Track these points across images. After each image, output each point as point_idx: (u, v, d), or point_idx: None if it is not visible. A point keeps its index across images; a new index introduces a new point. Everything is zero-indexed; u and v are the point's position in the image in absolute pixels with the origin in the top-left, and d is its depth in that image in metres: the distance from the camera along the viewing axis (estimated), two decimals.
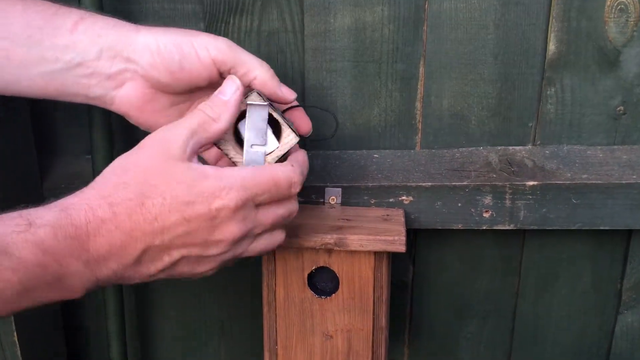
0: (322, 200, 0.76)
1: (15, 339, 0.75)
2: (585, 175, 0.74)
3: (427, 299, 0.87)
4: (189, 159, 0.51)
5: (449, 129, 0.78)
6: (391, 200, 0.75)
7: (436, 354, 0.90)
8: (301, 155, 0.59)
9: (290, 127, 0.59)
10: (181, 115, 0.62)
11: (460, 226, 0.76)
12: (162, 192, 0.49)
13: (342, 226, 0.67)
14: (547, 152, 0.78)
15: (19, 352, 0.76)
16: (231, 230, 0.51)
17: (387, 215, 0.72)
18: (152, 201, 0.48)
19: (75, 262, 0.47)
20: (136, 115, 0.61)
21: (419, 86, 0.77)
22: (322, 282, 0.69)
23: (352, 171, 0.77)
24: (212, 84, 0.59)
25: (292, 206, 0.56)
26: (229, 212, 0.50)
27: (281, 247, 0.66)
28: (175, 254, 0.50)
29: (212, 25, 0.74)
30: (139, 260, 0.49)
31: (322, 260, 0.67)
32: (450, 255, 0.85)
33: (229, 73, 0.58)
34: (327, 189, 0.76)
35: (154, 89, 0.59)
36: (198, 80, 0.59)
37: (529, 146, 0.79)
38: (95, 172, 0.75)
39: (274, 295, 0.69)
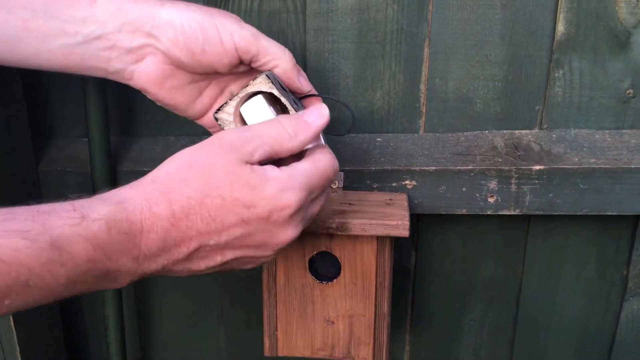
0: None
1: (15, 340, 0.74)
2: (593, 160, 0.72)
3: (429, 285, 0.86)
4: (256, 162, 0.50)
5: (454, 112, 0.77)
6: (394, 184, 0.74)
7: (438, 340, 0.89)
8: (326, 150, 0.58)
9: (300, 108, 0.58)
10: (199, 93, 0.61)
11: (464, 211, 0.74)
12: (223, 193, 0.48)
13: (345, 210, 0.66)
14: (554, 136, 0.76)
15: (18, 353, 0.75)
16: (288, 233, 0.51)
17: (390, 199, 0.70)
18: (212, 200, 0.47)
19: (124, 257, 0.45)
20: (154, 91, 0.60)
21: (423, 68, 0.75)
22: (324, 267, 0.68)
23: (354, 155, 0.76)
24: (232, 70, 0.58)
25: (329, 191, 0.58)
26: (288, 216, 0.50)
27: None
28: (229, 255, 0.50)
29: (212, 4, 0.72)
30: (190, 257, 0.48)
31: (324, 245, 0.66)
32: (453, 241, 0.84)
33: (251, 61, 0.57)
34: None
35: (173, 66, 0.58)
36: (218, 65, 0.57)
37: (536, 130, 0.77)
38: (92, 155, 0.73)
39: (274, 281, 0.68)
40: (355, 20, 0.73)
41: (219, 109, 0.58)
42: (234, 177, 0.48)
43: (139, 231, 0.45)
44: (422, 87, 0.76)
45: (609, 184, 0.72)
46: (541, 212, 0.74)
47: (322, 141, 0.58)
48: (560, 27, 0.72)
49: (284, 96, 0.57)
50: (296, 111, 0.57)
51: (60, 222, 0.43)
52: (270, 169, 0.50)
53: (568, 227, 0.81)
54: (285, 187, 0.49)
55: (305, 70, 0.75)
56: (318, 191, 0.53)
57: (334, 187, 0.74)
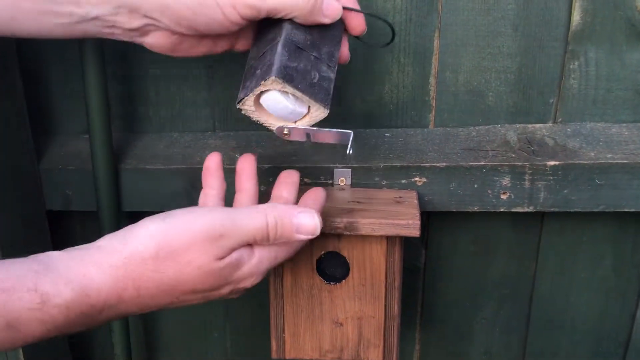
0: (330, 181, 0.72)
1: None
2: (609, 155, 0.70)
3: (439, 283, 0.84)
4: (225, 257, 0.51)
5: (465, 106, 0.74)
6: (404, 181, 0.71)
7: (449, 340, 0.87)
8: (319, 201, 0.59)
9: (317, 101, 0.56)
10: (215, 44, 0.59)
11: (476, 208, 0.72)
12: (195, 288, 0.50)
13: (353, 209, 0.64)
14: (569, 130, 0.74)
15: (21, 355, 0.74)
16: (245, 288, 0.55)
17: (400, 197, 0.68)
18: (182, 289, 0.50)
19: (80, 328, 0.47)
20: (169, 53, 0.59)
21: (433, 60, 0.73)
22: (332, 268, 0.66)
23: (362, 151, 0.74)
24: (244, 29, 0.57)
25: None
26: (244, 290, 0.55)
27: None
28: (186, 305, 0.53)
29: None
30: (146, 312, 0.51)
31: (332, 245, 0.64)
32: (464, 239, 0.82)
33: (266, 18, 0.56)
34: (336, 170, 0.72)
35: (181, 36, 0.56)
36: (227, 33, 0.56)
37: (550, 124, 0.74)
38: (94, 152, 0.72)
39: (281, 282, 0.66)
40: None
41: (240, 101, 0.56)
42: (207, 274, 0.50)
43: (99, 311, 0.47)
44: (432, 80, 0.74)
45: (626, 179, 0.69)
46: (556, 209, 0.71)
47: (308, 99, 0.55)
48: (576, 17, 0.69)
49: (300, 88, 0.54)
50: (316, 101, 0.55)
51: (19, 304, 0.43)
52: (246, 255, 0.52)
53: (583, 224, 0.79)
54: (252, 273, 0.53)
55: None
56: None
57: (342, 184, 0.72)
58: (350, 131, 0.57)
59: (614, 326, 0.85)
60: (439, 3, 0.70)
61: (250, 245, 0.53)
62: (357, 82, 0.74)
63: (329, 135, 0.57)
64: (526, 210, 0.72)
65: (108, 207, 0.74)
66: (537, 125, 0.74)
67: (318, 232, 0.54)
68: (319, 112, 0.56)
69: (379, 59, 0.73)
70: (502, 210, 0.72)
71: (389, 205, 0.65)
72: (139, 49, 0.75)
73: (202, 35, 0.57)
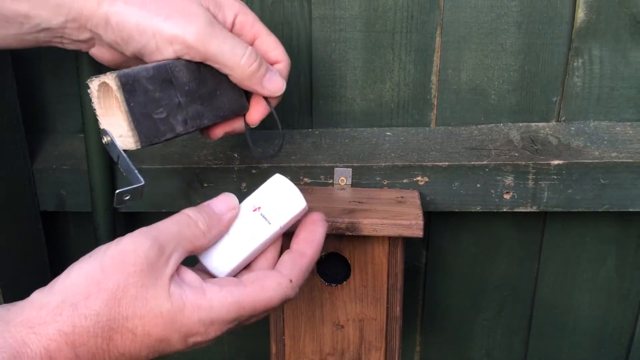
0: (331, 181, 0.71)
1: None
2: (614, 154, 0.69)
3: (441, 284, 0.83)
4: (171, 277, 0.44)
5: (467, 104, 0.73)
6: (405, 181, 0.70)
7: (450, 341, 0.86)
8: (311, 249, 0.50)
9: (137, 131, 0.50)
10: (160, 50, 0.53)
11: (479, 208, 0.71)
12: (134, 328, 0.43)
13: (354, 209, 0.62)
14: (572, 128, 0.73)
15: None
16: (205, 344, 0.47)
17: (402, 197, 0.67)
18: (121, 337, 0.42)
19: None
20: (113, 65, 0.57)
21: (435, 58, 0.72)
22: (333, 269, 0.65)
23: (363, 150, 0.72)
24: None
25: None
26: (205, 343, 0.46)
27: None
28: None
29: None
30: None
31: (333, 246, 0.63)
32: (465, 239, 0.80)
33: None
34: (336, 170, 0.71)
35: (122, 56, 0.55)
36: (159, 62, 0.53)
37: (554, 122, 0.73)
38: (89, 152, 0.70)
39: None
40: (363, 8, 0.70)
41: (90, 79, 0.51)
42: (145, 309, 0.43)
43: None
44: (434, 78, 0.73)
45: (631, 179, 0.68)
46: (560, 209, 0.70)
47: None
48: (580, 14, 0.68)
49: (131, 106, 0.49)
50: (135, 124, 0.50)
51: None
52: (190, 292, 0.44)
53: (586, 224, 0.78)
54: (202, 319, 0.44)
55: (310, 60, 0.72)
56: (252, 316, 0.47)
57: (342, 183, 0.71)
58: (142, 182, 0.51)
59: (616, 328, 0.84)
60: (440, 0, 0.69)
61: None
62: (358, 80, 0.73)
63: (129, 171, 0.52)
64: (529, 210, 0.71)
65: (103, 208, 0.72)
66: (541, 124, 0.73)
67: (237, 205, 0.49)
68: (131, 141, 0.51)
69: (379, 56, 0.72)
70: (505, 210, 0.71)
71: (390, 205, 0.64)
72: None
73: (140, 58, 0.54)
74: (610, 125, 0.72)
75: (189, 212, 0.47)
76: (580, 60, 0.70)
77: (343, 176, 0.71)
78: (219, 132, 0.58)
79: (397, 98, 0.74)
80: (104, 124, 0.52)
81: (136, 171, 0.51)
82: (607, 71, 0.70)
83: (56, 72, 0.75)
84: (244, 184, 0.72)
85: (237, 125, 0.58)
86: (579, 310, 0.83)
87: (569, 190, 0.69)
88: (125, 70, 0.50)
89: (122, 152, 0.51)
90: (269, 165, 0.71)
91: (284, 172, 0.71)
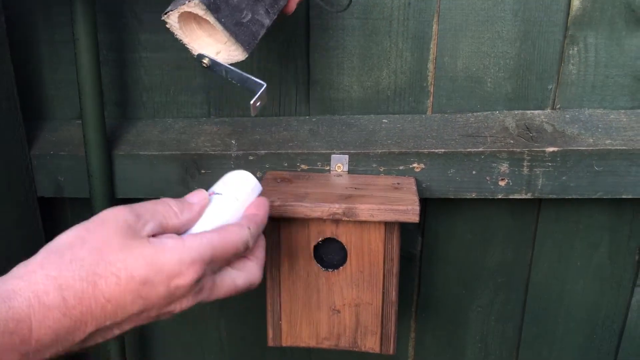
0: (328, 167, 0.71)
1: None
2: (608, 141, 0.70)
3: (436, 271, 0.84)
4: (148, 236, 0.47)
5: (464, 92, 0.74)
6: (401, 167, 0.71)
7: (444, 327, 0.87)
8: (260, 211, 0.55)
9: (238, 41, 0.53)
10: None
11: (474, 195, 0.72)
12: (118, 271, 0.45)
13: (351, 195, 0.63)
14: (567, 116, 0.73)
15: None
16: (183, 304, 0.49)
17: (398, 183, 0.67)
18: (106, 281, 0.44)
19: (11, 355, 0.42)
20: None
21: (431, 45, 0.72)
22: (329, 255, 0.65)
23: (360, 137, 0.73)
24: None
25: (253, 277, 0.54)
26: (187, 288, 0.48)
27: (286, 218, 0.62)
28: (126, 327, 0.48)
29: None
30: (86, 340, 0.45)
31: (329, 231, 0.63)
32: (460, 226, 0.81)
33: None
34: (333, 156, 0.71)
35: None
36: None
37: (549, 110, 0.74)
38: (86, 138, 0.70)
39: (278, 268, 0.65)
40: None
41: (165, 13, 0.54)
42: (128, 252, 0.45)
43: (28, 328, 0.42)
44: (430, 65, 0.73)
45: (625, 165, 0.69)
46: (554, 196, 0.71)
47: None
48: (576, 2, 0.69)
49: (223, 22, 0.52)
50: (235, 37, 0.52)
51: None
52: (167, 237, 0.48)
53: (580, 211, 0.79)
54: (182, 258, 0.47)
55: (307, 47, 0.73)
56: (221, 263, 0.51)
57: (339, 170, 0.71)
58: (264, 83, 0.55)
59: (609, 314, 0.85)
60: None
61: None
62: (355, 67, 0.73)
63: (244, 80, 0.55)
64: (524, 197, 0.71)
65: (101, 194, 0.72)
66: (536, 112, 0.74)
67: (207, 198, 0.53)
68: (237, 53, 0.54)
69: (376, 44, 0.72)
70: (500, 196, 0.72)
71: (387, 191, 0.65)
72: (134, 31, 0.74)
73: None
74: (605, 113, 0.73)
75: (164, 198, 0.51)
76: (575, 48, 0.71)
77: (340, 163, 0.71)
78: (292, 5, 0.59)
79: (393, 85, 0.74)
80: (195, 49, 0.55)
81: (252, 77, 0.55)
82: (602, 59, 0.71)
83: (54, 59, 0.75)
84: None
85: None
86: (573, 296, 0.84)
87: (564, 177, 0.70)
88: None
89: (229, 66, 0.55)
90: (265, 151, 0.72)
91: (281, 159, 0.72)
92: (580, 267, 0.82)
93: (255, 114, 0.58)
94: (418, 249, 0.83)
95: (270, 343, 0.68)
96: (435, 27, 0.71)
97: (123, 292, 0.45)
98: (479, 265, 0.83)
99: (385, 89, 0.74)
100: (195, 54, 0.55)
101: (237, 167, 0.72)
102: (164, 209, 0.50)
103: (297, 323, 0.67)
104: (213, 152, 0.72)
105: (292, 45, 0.73)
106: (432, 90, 0.74)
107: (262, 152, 0.72)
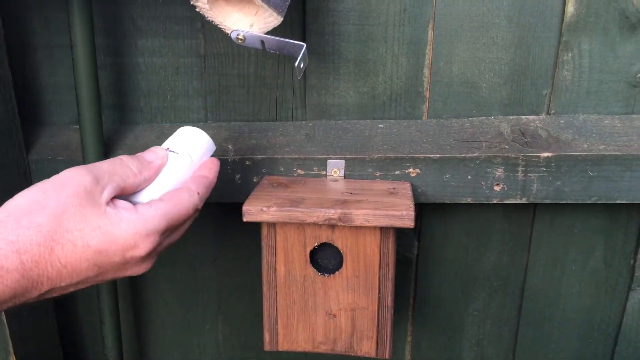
0: (324, 172, 0.72)
1: (8, 334, 0.72)
2: (602, 146, 0.70)
3: (432, 275, 0.84)
4: (106, 203, 0.49)
5: (459, 97, 0.74)
6: (397, 172, 0.71)
7: (441, 331, 0.87)
8: (211, 174, 0.58)
9: (271, 6, 0.54)
10: None
11: (469, 200, 0.72)
12: (74, 239, 0.47)
13: (347, 200, 0.63)
14: (562, 121, 0.74)
15: (11, 348, 0.73)
16: (142, 268, 0.52)
17: (394, 188, 0.68)
18: (63, 247, 0.47)
19: None
20: None
21: (427, 51, 0.72)
22: (325, 259, 0.65)
23: (356, 142, 0.73)
24: None
25: (192, 219, 0.57)
26: (140, 257, 0.50)
27: (282, 223, 0.63)
28: (82, 286, 0.50)
29: None
30: (41, 296, 0.48)
31: (325, 236, 0.63)
32: (456, 230, 0.81)
33: None
34: (329, 161, 0.71)
35: None
36: None
37: (543, 115, 0.74)
38: (84, 143, 0.71)
39: (274, 273, 0.65)
40: (356, 1, 0.70)
41: None
42: (85, 222, 0.47)
43: None
44: (426, 71, 0.73)
45: (618, 171, 0.70)
46: (549, 201, 0.72)
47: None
48: (570, 8, 0.69)
49: None
50: (267, 2, 0.54)
51: None
52: (124, 211, 0.49)
53: (575, 215, 0.79)
54: (138, 231, 0.49)
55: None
56: (174, 229, 0.54)
57: (335, 175, 0.72)
58: (303, 44, 0.56)
59: (604, 318, 0.85)
60: None
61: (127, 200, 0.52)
62: (351, 73, 0.74)
63: (283, 45, 0.56)
64: (519, 201, 0.72)
65: None
66: (531, 117, 0.74)
67: (166, 155, 0.55)
68: (272, 19, 0.55)
69: (372, 49, 0.73)
70: (495, 201, 0.72)
71: (383, 196, 0.65)
72: (131, 36, 0.74)
73: None
74: (599, 119, 0.73)
75: (122, 157, 0.53)
76: (569, 54, 0.71)
77: (336, 168, 0.71)
78: None
79: (389, 91, 0.74)
80: (228, 27, 0.56)
81: (289, 40, 0.56)
82: (596, 65, 0.71)
83: (52, 64, 0.76)
84: (238, 176, 0.73)
85: None
86: (568, 300, 0.84)
87: (558, 182, 0.70)
88: None
89: (265, 35, 0.56)
90: (262, 156, 0.72)
91: (277, 164, 0.72)
92: (576, 271, 0.83)
93: (300, 76, 0.60)
94: (414, 253, 0.83)
95: (267, 347, 0.68)
96: (430, 33, 0.72)
97: (79, 259, 0.47)
98: (475, 269, 0.84)
99: (381, 94, 0.75)
100: (229, 32, 0.56)
101: (234, 172, 0.73)
102: (123, 171, 0.52)
103: (293, 327, 0.67)
104: None
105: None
106: (427, 96, 0.75)
107: (259, 157, 0.72)
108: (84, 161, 0.72)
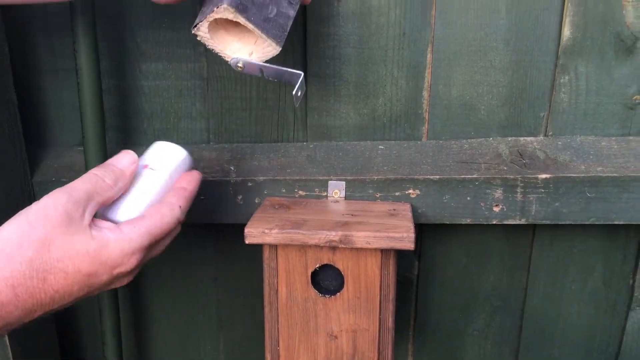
0: (325, 194, 0.73)
1: (6, 339, 0.72)
2: (600, 168, 0.71)
3: (432, 295, 0.84)
4: (89, 225, 0.51)
5: (458, 119, 0.75)
6: (397, 194, 0.72)
7: (441, 351, 0.88)
8: (190, 185, 0.59)
9: (270, 36, 0.55)
10: None
11: (469, 221, 0.73)
12: (65, 267, 0.49)
13: (347, 222, 0.64)
14: (559, 143, 0.75)
15: (9, 350, 0.73)
16: (125, 281, 0.54)
17: (394, 209, 0.69)
18: (54, 277, 0.49)
19: None
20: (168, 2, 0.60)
21: (426, 74, 0.74)
22: (326, 281, 0.66)
23: (356, 163, 0.74)
24: None
25: (176, 232, 0.58)
26: (128, 272, 0.53)
27: (284, 244, 0.63)
28: (70, 304, 0.52)
29: None
30: (32, 320, 0.50)
31: (326, 258, 0.64)
32: (456, 250, 0.82)
33: None
34: (330, 183, 0.72)
35: None
36: None
37: (541, 137, 0.75)
38: (88, 164, 0.72)
39: (276, 294, 0.66)
40: (356, 25, 0.72)
41: (195, 26, 0.56)
42: (74, 249, 0.49)
43: None
44: (425, 93, 0.74)
45: (616, 192, 0.70)
46: (547, 222, 0.72)
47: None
48: (566, 32, 0.71)
49: (252, 20, 0.54)
50: (265, 32, 0.54)
51: None
52: (109, 231, 0.51)
53: (574, 236, 0.80)
54: (124, 251, 0.51)
55: (306, 75, 0.74)
56: (157, 243, 0.56)
57: (336, 196, 0.73)
58: (301, 72, 0.57)
59: (604, 337, 0.85)
60: (431, 18, 0.71)
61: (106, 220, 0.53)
62: (351, 95, 0.75)
63: (281, 74, 0.57)
64: (518, 222, 0.73)
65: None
66: (529, 139, 0.75)
67: (136, 159, 0.56)
68: (270, 49, 0.56)
69: (372, 72, 0.74)
70: (494, 222, 0.73)
71: (383, 217, 0.66)
72: (135, 60, 0.75)
73: None
74: (596, 140, 0.74)
75: (95, 171, 0.54)
76: (566, 77, 0.72)
77: (337, 189, 0.72)
78: None
79: (389, 112, 0.75)
80: (228, 55, 0.57)
81: (287, 69, 0.57)
82: (593, 87, 0.73)
83: (57, 86, 0.77)
84: (240, 196, 0.73)
85: None
86: (568, 320, 0.85)
87: (556, 204, 0.71)
88: None
89: (263, 63, 0.56)
90: (264, 177, 0.73)
91: (279, 185, 0.73)
92: (575, 291, 0.83)
93: (298, 104, 0.60)
94: (415, 273, 0.84)
95: None
96: (429, 56, 0.73)
97: (70, 284, 0.49)
98: (475, 290, 0.84)
99: (381, 116, 0.76)
100: (229, 60, 0.57)
101: (236, 193, 0.73)
102: (99, 186, 0.53)
103: (294, 349, 0.67)
104: (212, 179, 0.73)
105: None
106: (427, 118, 0.76)
107: (261, 178, 0.73)
108: None
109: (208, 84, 0.76)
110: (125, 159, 0.56)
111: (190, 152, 0.60)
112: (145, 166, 0.57)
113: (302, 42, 0.73)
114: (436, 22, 0.71)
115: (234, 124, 0.77)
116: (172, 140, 0.78)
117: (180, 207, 0.56)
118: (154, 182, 0.57)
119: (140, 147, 0.79)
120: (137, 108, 0.77)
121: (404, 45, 0.72)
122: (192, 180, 0.60)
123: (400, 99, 0.75)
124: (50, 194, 0.51)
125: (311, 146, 0.77)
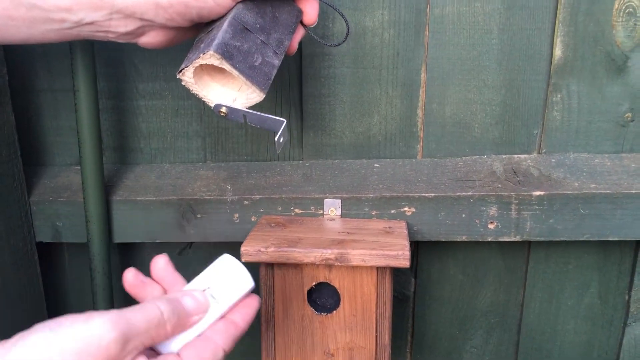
0: (321, 212, 0.73)
1: None
2: (593, 185, 0.72)
3: (429, 312, 0.85)
4: None
5: (452, 137, 0.76)
6: (393, 211, 0.72)
7: None
8: (243, 322, 0.51)
9: (254, 84, 0.55)
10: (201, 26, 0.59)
11: (464, 238, 0.73)
12: None
13: (343, 240, 0.64)
14: (553, 160, 0.75)
15: None
16: None
17: (390, 227, 0.69)
18: None
19: None
20: (162, 47, 0.59)
21: (420, 93, 0.74)
22: (323, 299, 0.66)
23: (352, 181, 0.75)
24: None
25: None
26: None
27: (280, 263, 0.64)
28: None
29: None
30: None
31: (322, 276, 0.64)
32: (453, 267, 0.82)
33: None
34: (326, 201, 0.73)
35: (175, 29, 0.57)
36: (217, 14, 0.56)
37: (535, 154, 0.76)
38: (85, 184, 0.72)
39: (272, 313, 0.66)
40: (351, 45, 0.73)
41: (180, 71, 0.56)
42: None
43: None
44: (419, 112, 0.75)
45: (610, 209, 0.71)
46: (542, 239, 0.73)
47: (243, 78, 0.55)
48: (558, 51, 0.72)
49: (238, 67, 0.54)
50: (250, 79, 0.54)
51: None
52: None
53: (569, 252, 0.80)
54: None
55: (300, 95, 0.75)
56: None
57: (332, 214, 0.73)
58: (283, 120, 0.57)
59: (601, 353, 0.85)
60: (425, 38, 0.72)
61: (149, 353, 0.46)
62: (346, 114, 0.76)
63: (264, 120, 0.57)
64: (513, 239, 0.73)
65: (99, 239, 0.74)
66: (522, 156, 0.76)
67: (208, 306, 0.49)
68: (255, 95, 0.56)
69: (367, 91, 0.75)
70: (489, 239, 0.73)
71: (378, 235, 0.66)
72: (132, 80, 0.76)
73: (193, 24, 0.57)
74: (589, 157, 0.75)
75: (162, 309, 0.46)
76: (559, 95, 0.73)
77: (333, 207, 0.73)
78: (294, 45, 0.60)
79: (384, 131, 0.76)
80: (211, 100, 0.57)
81: (271, 116, 0.57)
82: (585, 105, 0.74)
83: (54, 106, 0.77)
84: (236, 215, 0.74)
85: (300, 32, 0.60)
86: (564, 336, 0.85)
87: (551, 220, 0.72)
88: (210, 44, 0.53)
89: (247, 109, 0.57)
90: (260, 196, 0.73)
91: (275, 203, 0.73)
92: (571, 307, 0.83)
93: (280, 151, 0.60)
94: (411, 290, 0.84)
95: None
96: (423, 75, 0.74)
97: None
98: (472, 306, 0.84)
99: (377, 134, 0.76)
100: (212, 105, 0.57)
101: (233, 211, 0.74)
102: (156, 331, 0.45)
103: None
104: (209, 197, 0.74)
105: (285, 94, 0.76)
106: (421, 136, 0.76)
107: (257, 196, 0.73)
108: (84, 202, 0.73)
109: (204, 104, 0.76)
110: (196, 302, 0.49)
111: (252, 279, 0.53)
112: (206, 289, 0.50)
113: (298, 62, 0.74)
114: (429, 42, 0.72)
115: (231, 142, 0.78)
116: (169, 159, 0.79)
117: (224, 350, 0.48)
118: (211, 315, 0.49)
119: (136, 166, 0.80)
120: (133, 127, 0.78)
121: (398, 65, 0.73)
122: (247, 315, 0.51)
123: (395, 118, 0.76)
124: (104, 318, 0.42)
125: (307, 164, 0.78)
